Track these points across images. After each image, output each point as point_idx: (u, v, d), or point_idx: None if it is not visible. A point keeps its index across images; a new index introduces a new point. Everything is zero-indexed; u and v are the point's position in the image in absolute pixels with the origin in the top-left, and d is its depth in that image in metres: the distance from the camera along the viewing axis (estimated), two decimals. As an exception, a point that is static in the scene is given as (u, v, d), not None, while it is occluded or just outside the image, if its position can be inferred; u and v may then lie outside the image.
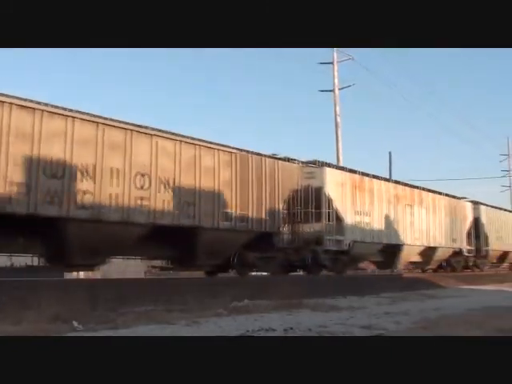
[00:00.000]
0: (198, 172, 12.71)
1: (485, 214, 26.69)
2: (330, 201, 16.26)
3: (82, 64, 74.84)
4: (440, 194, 23.21)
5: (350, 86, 28.56)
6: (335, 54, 28.13)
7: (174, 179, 12.23)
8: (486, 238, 26.52)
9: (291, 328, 6.32)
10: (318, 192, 16.09)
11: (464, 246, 24.38)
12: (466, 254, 24.73)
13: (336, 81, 28.16)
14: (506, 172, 52.47)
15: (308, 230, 16.05)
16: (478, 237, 25.78)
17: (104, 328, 6.12)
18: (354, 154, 77.27)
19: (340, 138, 27.29)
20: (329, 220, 16.09)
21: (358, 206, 17.37)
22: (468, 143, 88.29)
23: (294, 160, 15.91)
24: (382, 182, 19.11)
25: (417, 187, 21.42)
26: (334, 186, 16.56)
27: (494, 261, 29.53)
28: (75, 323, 6.16)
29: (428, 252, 21.95)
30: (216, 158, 13.16)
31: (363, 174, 18.30)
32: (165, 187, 12.05)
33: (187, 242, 12.73)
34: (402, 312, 8.71)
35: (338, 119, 27.53)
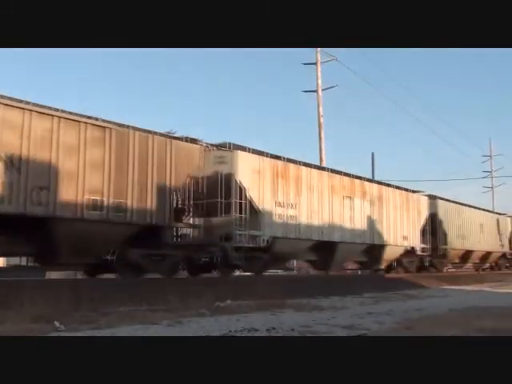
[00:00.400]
0: (56, 149, 10.37)
1: (443, 210, 24.43)
2: (242, 190, 13.95)
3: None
4: (389, 185, 20.95)
5: (333, 86, 27.64)
6: (319, 54, 27.10)
7: (21, 157, 9.90)
8: (445, 235, 24.27)
9: (274, 328, 6.37)
10: (229, 179, 13.79)
11: (417, 244, 22.13)
12: (420, 254, 22.49)
13: (319, 81, 27.15)
14: (488, 173, 51.60)
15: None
16: (434, 234, 23.56)
17: (87, 328, 6.13)
18: (340, 155, 75.37)
19: (323, 139, 26.63)
20: (240, 212, 13.80)
21: (279, 196, 15.03)
22: (451, 144, 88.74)
23: (198, 141, 13.50)
24: (314, 170, 16.69)
25: (360, 178, 19.04)
26: (249, 172, 14.22)
27: (456, 260, 27.37)
28: (57, 323, 6.14)
29: (373, 251, 19.65)
30: (82, 133, 10.80)
31: (289, 160, 15.93)
32: (6, 167, 9.72)
33: (44, 236, 10.42)
34: (385, 312, 8.76)
35: (322, 120, 26.77)
